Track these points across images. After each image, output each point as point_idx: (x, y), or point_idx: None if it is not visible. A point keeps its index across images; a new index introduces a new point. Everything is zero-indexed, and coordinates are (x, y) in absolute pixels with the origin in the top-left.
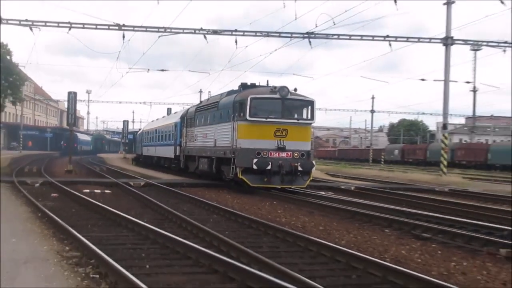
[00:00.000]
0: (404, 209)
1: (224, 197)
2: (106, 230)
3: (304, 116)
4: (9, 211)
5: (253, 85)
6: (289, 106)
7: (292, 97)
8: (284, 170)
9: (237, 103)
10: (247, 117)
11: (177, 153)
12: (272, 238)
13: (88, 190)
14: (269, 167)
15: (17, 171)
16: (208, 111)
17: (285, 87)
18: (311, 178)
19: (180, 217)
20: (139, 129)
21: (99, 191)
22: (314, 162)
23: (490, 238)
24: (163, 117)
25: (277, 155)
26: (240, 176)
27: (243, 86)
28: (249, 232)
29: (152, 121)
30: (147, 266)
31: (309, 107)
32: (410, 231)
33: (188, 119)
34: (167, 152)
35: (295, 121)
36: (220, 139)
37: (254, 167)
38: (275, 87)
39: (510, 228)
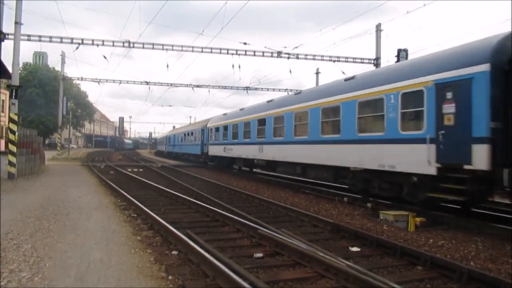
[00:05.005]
0: (295, 177)
1: (203, 172)
2: (140, 190)
3: None
4: (87, 181)
5: None
6: None
7: None
8: None
9: None
10: None
11: None
12: (230, 192)
13: (130, 169)
14: None
15: (91, 159)
16: None
17: None
18: None
19: (179, 183)
20: (156, 137)
21: (136, 169)
22: None
23: (338, 192)
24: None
25: None
26: None
27: None
28: (218, 190)
29: (225, 114)
30: (163, 209)
31: None
32: (299, 189)
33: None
34: None
35: None
36: None
37: None
38: None
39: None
